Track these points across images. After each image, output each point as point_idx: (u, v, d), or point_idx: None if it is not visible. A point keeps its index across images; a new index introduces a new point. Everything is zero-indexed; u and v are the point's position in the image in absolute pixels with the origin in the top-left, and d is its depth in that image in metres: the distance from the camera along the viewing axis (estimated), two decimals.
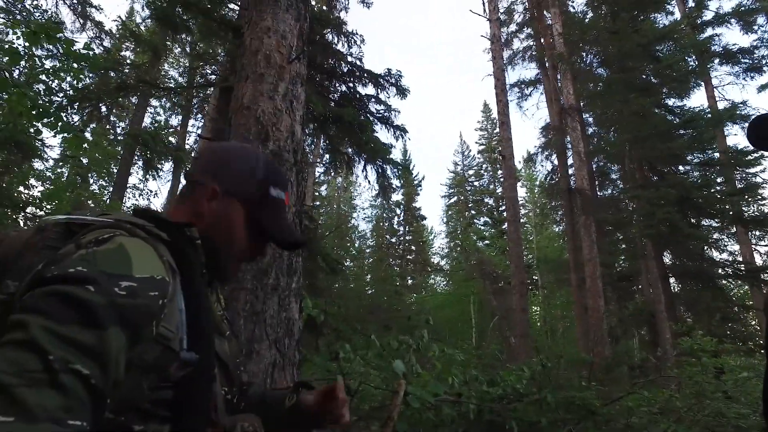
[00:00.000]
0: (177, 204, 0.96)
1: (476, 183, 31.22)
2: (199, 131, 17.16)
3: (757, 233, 12.44)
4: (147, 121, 16.65)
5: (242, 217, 0.96)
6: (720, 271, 11.86)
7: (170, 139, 17.71)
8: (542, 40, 16.21)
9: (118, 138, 16.00)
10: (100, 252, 0.69)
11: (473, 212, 29.87)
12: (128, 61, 14.10)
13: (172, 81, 17.91)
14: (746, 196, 11.86)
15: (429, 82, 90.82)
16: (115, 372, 0.64)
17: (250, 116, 2.96)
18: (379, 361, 3.64)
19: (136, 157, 13.98)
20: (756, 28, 14.96)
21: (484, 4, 13.93)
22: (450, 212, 31.38)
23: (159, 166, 14.31)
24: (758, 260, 12.91)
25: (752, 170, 12.04)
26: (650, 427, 4.32)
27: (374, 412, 3.80)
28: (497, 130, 16.14)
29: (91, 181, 14.75)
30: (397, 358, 3.58)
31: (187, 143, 18.15)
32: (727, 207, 11.37)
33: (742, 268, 11.70)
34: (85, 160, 13.70)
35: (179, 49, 16.55)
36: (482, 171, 31.26)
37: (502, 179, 17.75)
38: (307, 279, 9.04)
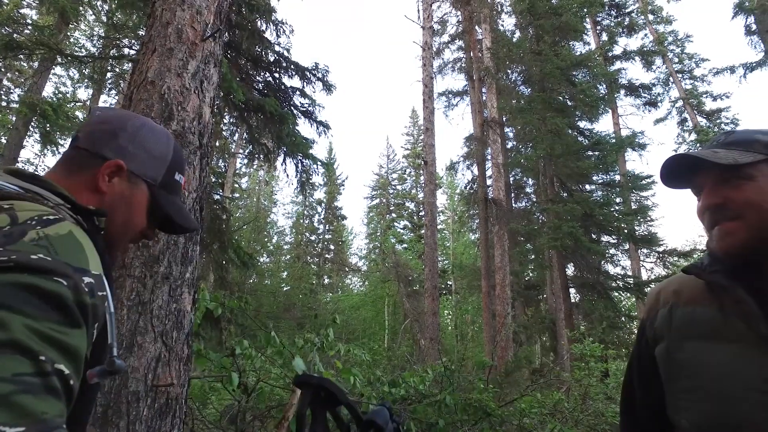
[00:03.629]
0: (64, 173, 0.80)
1: (399, 187, 31.76)
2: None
3: (645, 251, 13.78)
4: (49, 90, 15.12)
5: (146, 200, 0.88)
6: (613, 283, 12.92)
7: (77, 113, 16.26)
8: (471, 54, 16.79)
9: (11, 105, 14.43)
10: (55, 238, 0.60)
11: (394, 215, 30.32)
12: (29, 21, 12.75)
13: (83, 50, 16.48)
14: (638, 217, 13.07)
15: (359, 83, 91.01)
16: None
17: (154, 92, 2.73)
18: (279, 359, 3.53)
19: (31, 129, 12.66)
20: (654, 68, 17.14)
21: (419, 11, 14.15)
22: (371, 214, 31.63)
23: (60, 141, 13.13)
24: (644, 275, 14.31)
25: (645, 193, 13.32)
26: (540, 427, 4.56)
27: (272, 411, 3.67)
28: (423, 136, 16.48)
29: None
30: (302, 356, 3.48)
31: None
32: (622, 225, 12.42)
33: (631, 282, 12.84)
34: None
35: (94, 16, 15.26)
36: (406, 175, 31.88)
37: (423, 184, 18.11)
38: (217, 272, 8.65)
